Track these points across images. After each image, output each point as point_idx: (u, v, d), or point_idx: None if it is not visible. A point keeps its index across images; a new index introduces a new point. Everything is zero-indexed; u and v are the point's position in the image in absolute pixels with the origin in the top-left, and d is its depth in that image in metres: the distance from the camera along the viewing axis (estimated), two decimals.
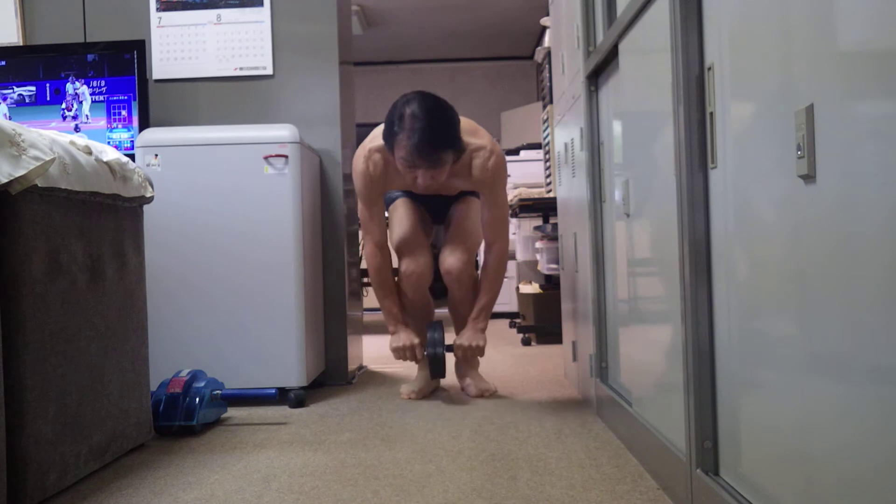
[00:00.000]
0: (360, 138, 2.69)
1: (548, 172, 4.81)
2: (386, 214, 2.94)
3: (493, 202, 2.72)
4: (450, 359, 2.86)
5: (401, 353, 2.76)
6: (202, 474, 1.92)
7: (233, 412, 2.64)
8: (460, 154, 2.54)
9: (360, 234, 2.77)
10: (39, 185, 1.64)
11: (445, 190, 2.80)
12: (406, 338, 2.76)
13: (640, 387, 1.98)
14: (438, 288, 2.94)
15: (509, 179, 5.50)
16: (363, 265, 3.25)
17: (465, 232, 2.86)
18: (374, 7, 6.73)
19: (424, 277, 2.79)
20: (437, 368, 2.71)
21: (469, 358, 2.75)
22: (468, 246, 2.84)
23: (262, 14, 3.22)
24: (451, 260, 2.80)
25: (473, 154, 2.60)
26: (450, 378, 3.00)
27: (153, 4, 3.24)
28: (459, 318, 2.95)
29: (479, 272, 2.93)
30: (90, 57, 3.03)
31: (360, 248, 3.33)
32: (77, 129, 3.02)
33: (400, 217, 2.88)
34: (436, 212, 2.99)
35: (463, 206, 2.91)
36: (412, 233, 2.84)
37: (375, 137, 2.64)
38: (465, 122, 2.63)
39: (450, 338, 2.89)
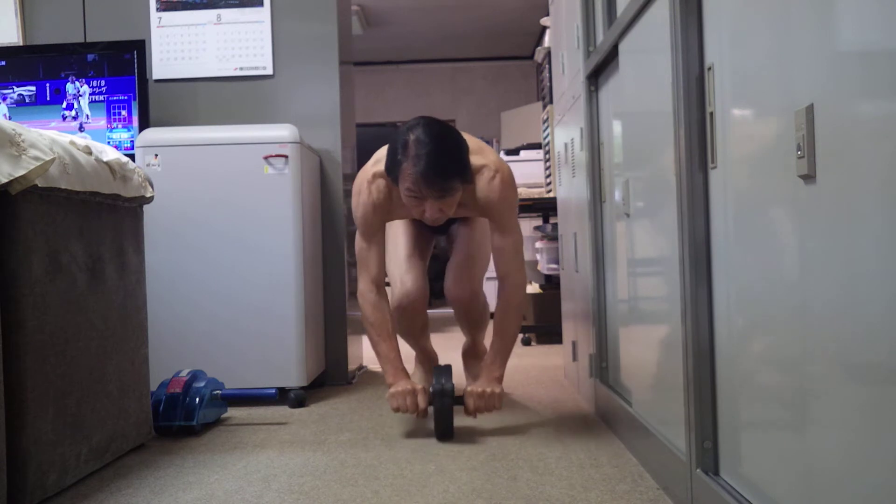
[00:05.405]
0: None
1: (548, 172, 4.80)
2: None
3: (502, 227, 2.39)
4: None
5: (399, 399, 2.30)
6: (202, 474, 1.92)
7: (233, 412, 2.64)
8: (470, 183, 2.31)
9: (357, 268, 2.44)
10: (39, 185, 1.64)
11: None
12: (407, 384, 2.33)
13: (640, 387, 1.98)
14: (438, 288, 2.80)
15: None
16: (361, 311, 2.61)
17: (471, 256, 2.66)
18: (374, 7, 6.72)
19: (419, 302, 2.59)
20: (443, 424, 2.23)
21: (482, 410, 2.32)
22: (475, 272, 2.66)
23: (262, 14, 3.22)
24: (457, 289, 2.62)
25: (477, 175, 2.33)
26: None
27: (153, 4, 3.24)
28: (471, 354, 2.90)
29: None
30: (90, 57, 3.03)
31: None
32: (82, 128, 3.02)
33: (394, 234, 2.68)
34: (438, 229, 2.77)
35: (467, 227, 2.69)
36: (407, 253, 2.65)
37: (378, 161, 2.37)
38: (470, 141, 2.38)
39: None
